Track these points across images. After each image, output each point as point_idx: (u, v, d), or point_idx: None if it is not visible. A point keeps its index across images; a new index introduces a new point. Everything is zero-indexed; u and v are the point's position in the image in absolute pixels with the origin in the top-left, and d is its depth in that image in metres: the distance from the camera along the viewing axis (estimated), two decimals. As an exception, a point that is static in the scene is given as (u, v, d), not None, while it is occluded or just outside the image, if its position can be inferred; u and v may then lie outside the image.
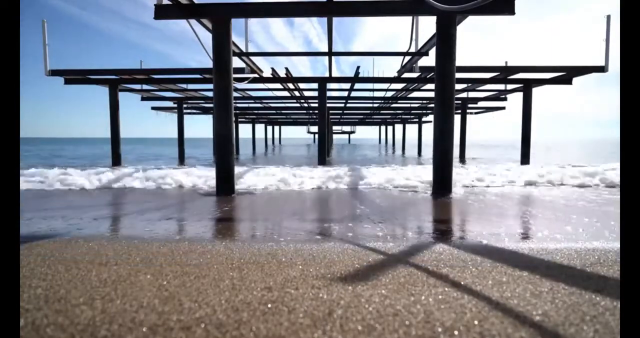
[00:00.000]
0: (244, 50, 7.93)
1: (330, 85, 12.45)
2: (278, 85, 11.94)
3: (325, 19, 6.76)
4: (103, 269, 2.19)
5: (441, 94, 5.85)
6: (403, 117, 25.60)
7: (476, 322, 1.51)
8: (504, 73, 10.30)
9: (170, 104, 16.49)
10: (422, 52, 7.73)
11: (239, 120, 25.00)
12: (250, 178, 7.17)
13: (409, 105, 18.06)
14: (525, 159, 12.17)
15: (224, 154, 6.04)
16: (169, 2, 5.41)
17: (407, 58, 8.51)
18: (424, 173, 7.46)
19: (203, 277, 2.04)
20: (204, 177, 7.20)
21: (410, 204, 4.96)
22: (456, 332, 1.43)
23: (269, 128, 39.71)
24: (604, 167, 8.22)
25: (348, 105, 17.90)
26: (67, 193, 6.05)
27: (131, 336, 1.41)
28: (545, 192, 5.94)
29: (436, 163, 5.99)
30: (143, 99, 14.71)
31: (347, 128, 44.39)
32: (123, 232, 3.34)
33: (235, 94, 12.47)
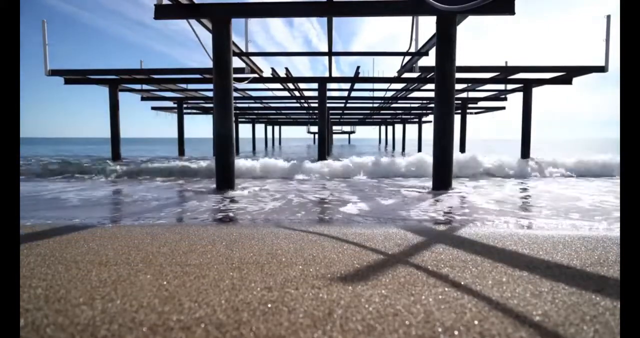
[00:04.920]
0: (244, 50, 7.93)
1: (330, 85, 12.46)
2: (278, 85, 11.95)
3: (325, 19, 6.76)
4: (103, 269, 2.19)
5: (441, 94, 5.85)
6: (403, 117, 25.61)
7: (476, 322, 1.51)
8: (504, 73, 10.31)
9: (170, 104, 16.50)
10: (422, 52, 7.74)
11: (239, 120, 25.01)
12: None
13: (409, 105, 18.07)
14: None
15: (224, 154, 6.05)
16: (169, 2, 5.42)
17: (407, 58, 8.51)
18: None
19: (203, 277, 2.04)
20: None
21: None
22: (456, 332, 1.43)
23: (269, 128, 39.73)
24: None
25: (348, 105, 17.91)
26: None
27: (131, 336, 1.41)
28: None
29: (436, 161, 6.01)
30: (143, 99, 14.72)
31: (347, 128, 44.40)
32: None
33: (235, 94, 12.48)
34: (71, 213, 4.31)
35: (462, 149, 16.23)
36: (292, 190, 6.39)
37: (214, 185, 6.34)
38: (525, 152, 12.25)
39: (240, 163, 8.49)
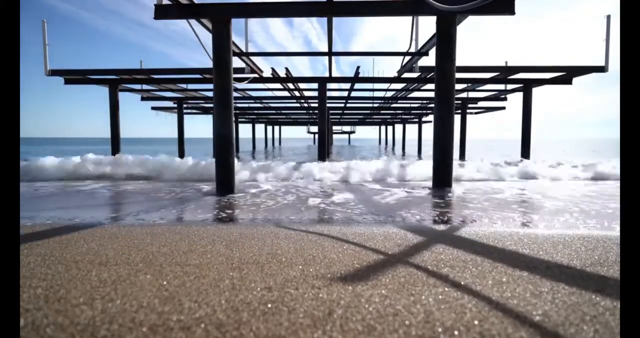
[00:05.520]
0: (244, 50, 7.93)
1: (330, 85, 12.46)
2: (278, 85, 11.95)
3: (325, 19, 6.76)
4: (103, 269, 2.19)
5: (441, 94, 5.85)
6: (403, 117, 25.62)
7: (476, 322, 1.51)
8: (504, 73, 10.31)
9: (170, 104, 16.49)
10: (422, 52, 7.74)
11: (239, 120, 25.02)
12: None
13: (409, 105, 18.07)
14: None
15: (224, 154, 6.04)
16: (169, 2, 5.41)
17: (407, 58, 8.51)
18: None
19: (203, 277, 2.04)
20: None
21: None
22: (456, 332, 1.43)
23: (269, 128, 39.77)
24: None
25: (348, 105, 17.90)
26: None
27: (131, 336, 1.41)
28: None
29: (436, 162, 6.01)
30: (143, 99, 14.72)
31: (347, 128, 44.43)
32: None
33: (235, 94, 12.48)
34: None
35: (462, 149, 16.25)
36: (293, 193, 6.39)
37: (203, 186, 6.34)
38: (525, 152, 12.24)
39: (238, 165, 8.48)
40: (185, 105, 16.69)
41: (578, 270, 2.18)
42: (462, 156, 15.71)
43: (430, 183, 6.51)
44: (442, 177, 6.00)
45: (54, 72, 9.95)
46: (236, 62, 7.42)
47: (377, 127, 41.73)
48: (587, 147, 37.11)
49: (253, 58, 8.86)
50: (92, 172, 8.39)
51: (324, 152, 12.36)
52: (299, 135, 60.52)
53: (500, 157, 16.14)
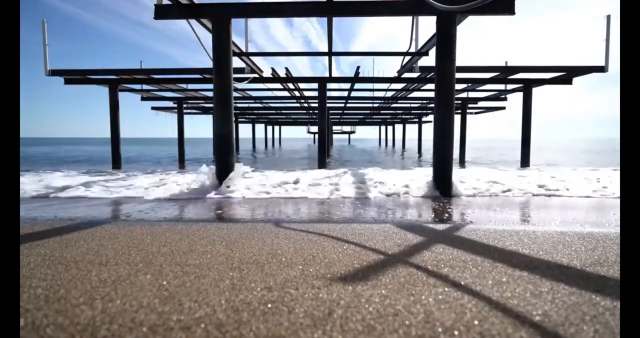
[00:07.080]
0: (244, 50, 7.93)
1: (330, 85, 12.46)
2: (278, 85, 11.95)
3: (325, 19, 6.76)
4: (103, 269, 2.19)
5: (441, 94, 5.84)
6: (403, 117, 25.62)
7: (476, 322, 1.51)
8: (504, 73, 10.30)
9: (170, 104, 16.49)
10: (422, 52, 7.73)
11: (239, 120, 25.03)
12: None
13: (409, 105, 18.07)
14: (525, 160, 12.13)
15: (224, 154, 6.04)
16: (169, 2, 5.41)
17: (407, 58, 8.51)
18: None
19: (203, 277, 2.04)
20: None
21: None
22: (456, 332, 1.43)
23: (269, 128, 39.82)
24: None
25: (348, 105, 17.91)
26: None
27: (131, 336, 1.41)
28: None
29: (436, 163, 5.99)
30: (143, 99, 14.72)
31: (347, 128, 44.49)
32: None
33: (235, 94, 12.48)
34: None
35: (462, 149, 16.22)
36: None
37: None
38: (525, 152, 12.18)
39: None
40: (185, 105, 16.68)
41: (578, 270, 2.18)
42: (462, 158, 15.60)
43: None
44: (443, 179, 5.95)
45: (54, 72, 9.95)
46: (236, 62, 7.42)
47: (377, 127, 41.77)
48: (586, 147, 37.14)
49: (253, 58, 8.86)
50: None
51: (324, 156, 11.96)
52: (299, 135, 60.66)
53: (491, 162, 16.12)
